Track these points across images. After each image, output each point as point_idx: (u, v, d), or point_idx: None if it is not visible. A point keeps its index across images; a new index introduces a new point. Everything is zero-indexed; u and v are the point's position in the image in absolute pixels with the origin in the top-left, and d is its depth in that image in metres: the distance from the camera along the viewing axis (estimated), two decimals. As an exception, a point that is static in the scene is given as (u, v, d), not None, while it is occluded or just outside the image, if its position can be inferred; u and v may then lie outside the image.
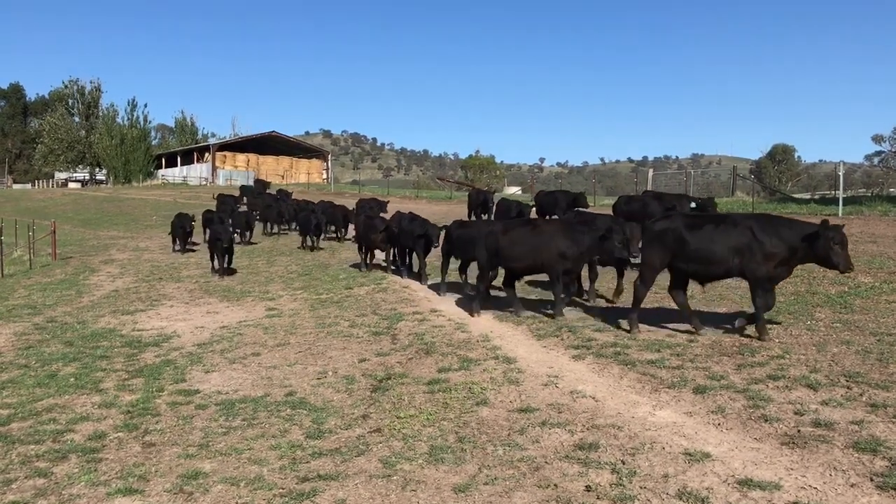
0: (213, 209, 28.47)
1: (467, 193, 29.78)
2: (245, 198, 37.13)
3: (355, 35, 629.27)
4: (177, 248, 24.48)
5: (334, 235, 25.04)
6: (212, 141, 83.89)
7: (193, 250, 24.23)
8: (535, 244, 11.10)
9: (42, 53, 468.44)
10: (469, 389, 7.77)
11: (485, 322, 11.14)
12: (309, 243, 22.77)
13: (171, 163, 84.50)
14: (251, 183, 55.24)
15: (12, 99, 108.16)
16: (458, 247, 13.82)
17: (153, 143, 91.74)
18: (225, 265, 18.61)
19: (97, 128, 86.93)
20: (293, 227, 27.32)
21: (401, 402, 7.64)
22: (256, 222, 28.12)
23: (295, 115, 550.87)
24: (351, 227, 23.93)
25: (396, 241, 16.63)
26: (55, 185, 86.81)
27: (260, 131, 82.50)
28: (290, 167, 79.57)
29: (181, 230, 24.24)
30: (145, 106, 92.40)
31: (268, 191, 40.00)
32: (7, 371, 9.98)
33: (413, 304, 12.98)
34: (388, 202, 25.58)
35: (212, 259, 19.12)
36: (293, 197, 35.38)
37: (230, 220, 24.91)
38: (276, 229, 28.49)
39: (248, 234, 25.60)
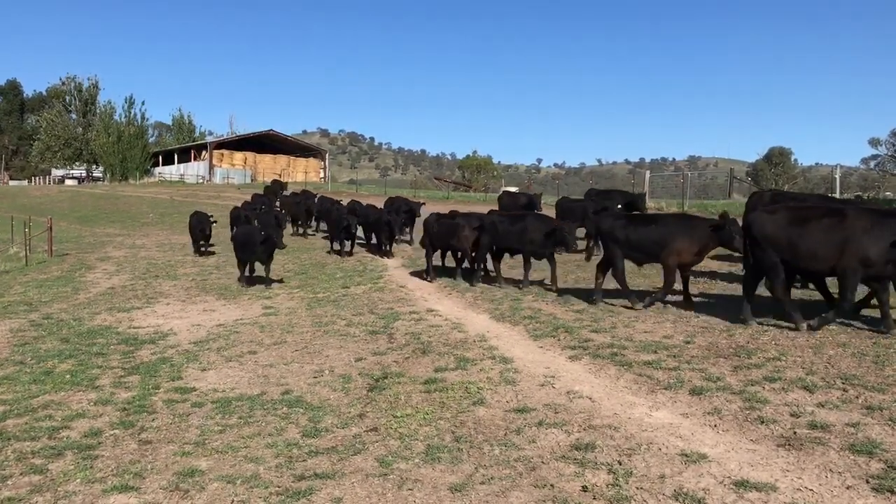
0: (253, 207, 27.00)
1: (497, 197, 25.74)
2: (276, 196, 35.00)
3: (354, 35, 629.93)
4: (195, 250, 22.89)
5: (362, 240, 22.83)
6: (209, 139, 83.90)
7: (212, 252, 23.16)
8: (836, 239, 8.81)
9: (40, 50, 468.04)
10: (466, 389, 7.77)
11: (481, 322, 11.14)
12: (341, 247, 20.89)
13: (169, 160, 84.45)
14: (244, 181, 55.15)
15: (9, 95, 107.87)
16: (637, 246, 11.44)
17: (150, 140, 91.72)
18: (248, 272, 16.63)
19: (94, 125, 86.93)
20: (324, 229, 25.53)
21: (397, 401, 7.63)
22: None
23: (292, 113, 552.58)
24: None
25: (496, 243, 14.44)
26: (52, 182, 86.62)
27: (257, 130, 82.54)
28: (288, 166, 79.61)
29: (200, 231, 22.37)
30: (143, 103, 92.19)
31: (284, 191, 38.24)
32: (3, 368, 9.94)
33: (410, 303, 12.98)
34: (423, 203, 23.68)
35: (239, 266, 16.89)
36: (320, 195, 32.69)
37: (256, 220, 23.39)
38: (304, 229, 27.57)
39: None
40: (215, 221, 23.32)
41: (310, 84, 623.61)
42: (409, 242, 22.04)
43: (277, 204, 31.89)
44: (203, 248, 22.87)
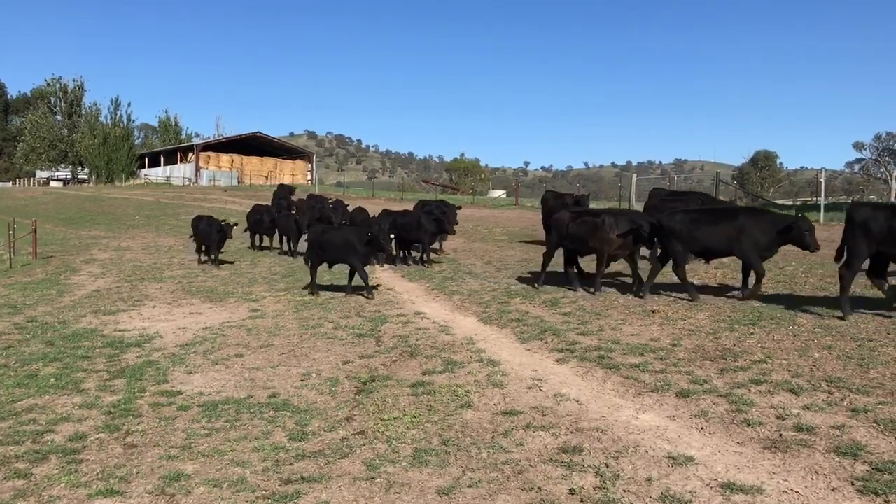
0: (307, 209, 24.13)
1: (541, 198, 22.84)
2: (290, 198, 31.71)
3: (342, 37, 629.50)
4: (204, 259, 20.46)
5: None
6: (196, 141, 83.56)
7: (230, 262, 20.67)
8: None
9: (24, 51, 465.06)
10: (453, 392, 7.77)
11: (469, 325, 11.15)
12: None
13: (155, 162, 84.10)
14: (231, 183, 54.47)
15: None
16: None
17: (136, 142, 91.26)
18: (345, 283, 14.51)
19: (80, 126, 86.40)
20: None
21: (385, 404, 7.62)
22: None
23: (279, 115, 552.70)
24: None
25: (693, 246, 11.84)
26: (37, 184, 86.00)
27: (244, 132, 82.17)
28: (275, 168, 79.47)
29: (215, 237, 19.75)
30: (129, 105, 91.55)
31: (292, 195, 34.54)
32: (-14, 371, 9.85)
33: (397, 306, 12.96)
34: (459, 206, 21.19)
35: (313, 270, 14.83)
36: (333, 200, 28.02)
37: (272, 223, 22.30)
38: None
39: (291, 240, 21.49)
40: (236, 224, 20.71)
41: (297, 86, 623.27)
42: (438, 252, 19.45)
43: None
44: (214, 257, 20.25)
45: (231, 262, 20.61)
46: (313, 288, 14.83)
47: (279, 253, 22.26)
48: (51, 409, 8.08)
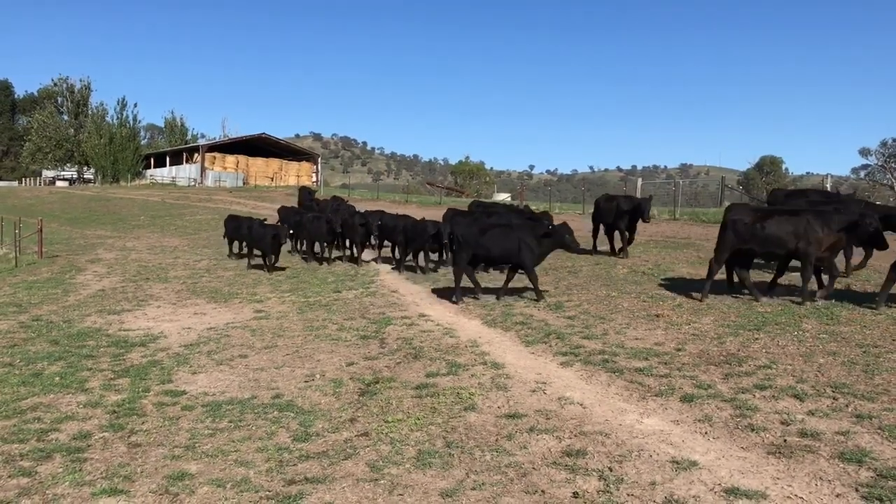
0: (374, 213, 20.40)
1: (595, 201, 19.84)
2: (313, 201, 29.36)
3: (347, 39, 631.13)
4: (262, 261, 19.27)
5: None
6: (201, 142, 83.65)
7: (283, 267, 19.06)
8: None
9: (31, 51, 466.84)
10: (457, 394, 7.77)
11: (473, 327, 11.14)
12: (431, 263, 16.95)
13: (160, 163, 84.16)
14: (236, 184, 54.26)
15: (0, 96, 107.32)
16: None
17: (142, 142, 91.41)
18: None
19: (86, 126, 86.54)
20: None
21: (389, 406, 7.63)
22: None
23: (285, 117, 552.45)
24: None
25: None
26: (43, 184, 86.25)
27: (250, 133, 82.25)
28: (280, 169, 79.47)
29: (277, 244, 18.58)
30: (135, 105, 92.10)
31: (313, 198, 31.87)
32: (-9, 369, 9.88)
33: (401, 308, 12.96)
34: (527, 206, 18.95)
35: (467, 272, 13.32)
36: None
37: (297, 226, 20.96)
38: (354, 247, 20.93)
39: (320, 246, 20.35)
40: (291, 230, 19.84)
41: (302, 87, 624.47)
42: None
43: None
44: (273, 261, 18.85)
45: (284, 268, 19.06)
46: (476, 291, 13.33)
47: (302, 258, 20.99)
48: (55, 408, 8.10)
